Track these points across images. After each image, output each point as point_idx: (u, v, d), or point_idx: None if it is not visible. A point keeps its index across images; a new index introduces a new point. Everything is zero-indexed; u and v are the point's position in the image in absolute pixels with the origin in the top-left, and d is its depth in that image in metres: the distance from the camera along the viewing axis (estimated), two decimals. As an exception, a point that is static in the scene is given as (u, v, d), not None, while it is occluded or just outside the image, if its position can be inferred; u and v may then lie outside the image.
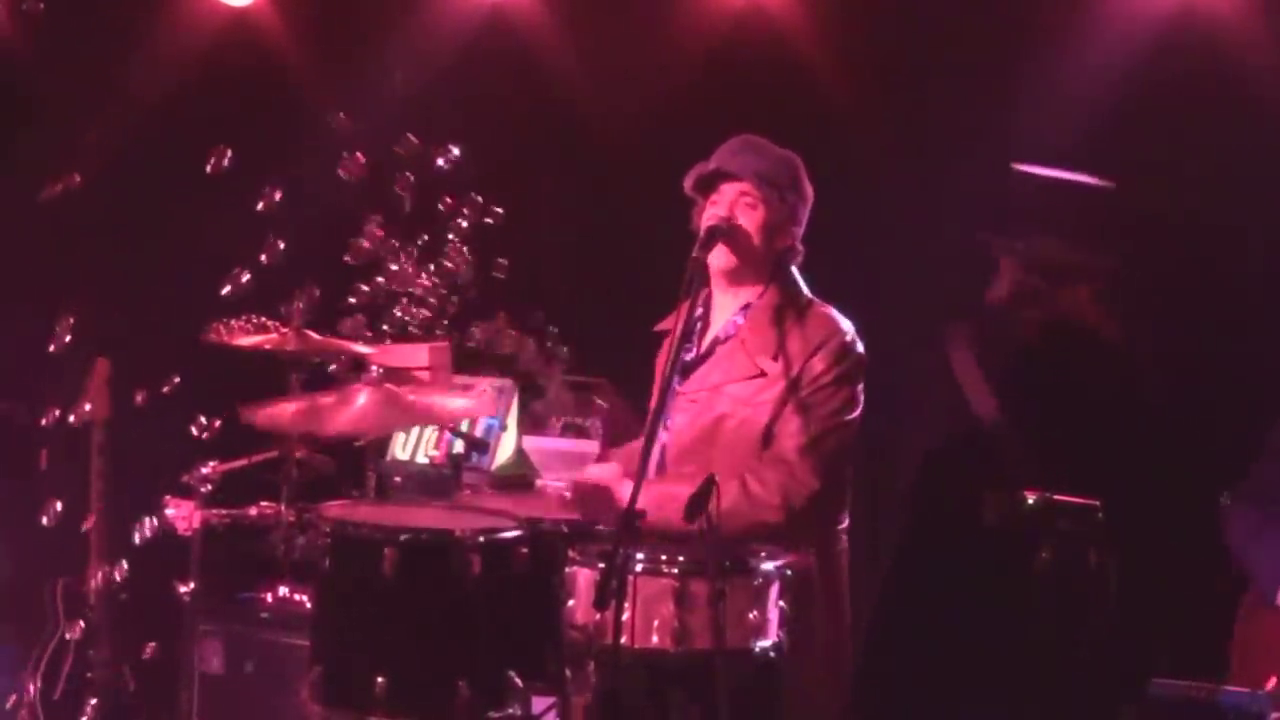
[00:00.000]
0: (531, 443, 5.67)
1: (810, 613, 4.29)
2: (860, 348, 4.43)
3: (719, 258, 4.41)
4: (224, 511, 5.10)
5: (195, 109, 6.90)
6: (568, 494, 4.59)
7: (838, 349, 4.37)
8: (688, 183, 4.49)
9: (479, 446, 5.53)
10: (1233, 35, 5.80)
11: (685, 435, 4.45)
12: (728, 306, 4.52)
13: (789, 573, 4.14)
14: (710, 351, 4.51)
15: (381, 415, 4.70)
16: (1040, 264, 5.77)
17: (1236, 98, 5.78)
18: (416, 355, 5.50)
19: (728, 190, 4.44)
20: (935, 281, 6.02)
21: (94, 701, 5.79)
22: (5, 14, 6.91)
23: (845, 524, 4.49)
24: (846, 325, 4.44)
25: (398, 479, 5.59)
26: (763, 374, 4.37)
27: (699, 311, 4.55)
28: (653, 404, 4.53)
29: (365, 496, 5.34)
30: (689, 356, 4.52)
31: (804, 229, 4.54)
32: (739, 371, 4.41)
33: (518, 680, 4.26)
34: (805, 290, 4.50)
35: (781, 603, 4.09)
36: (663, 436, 4.48)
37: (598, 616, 3.94)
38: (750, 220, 4.42)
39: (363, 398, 4.70)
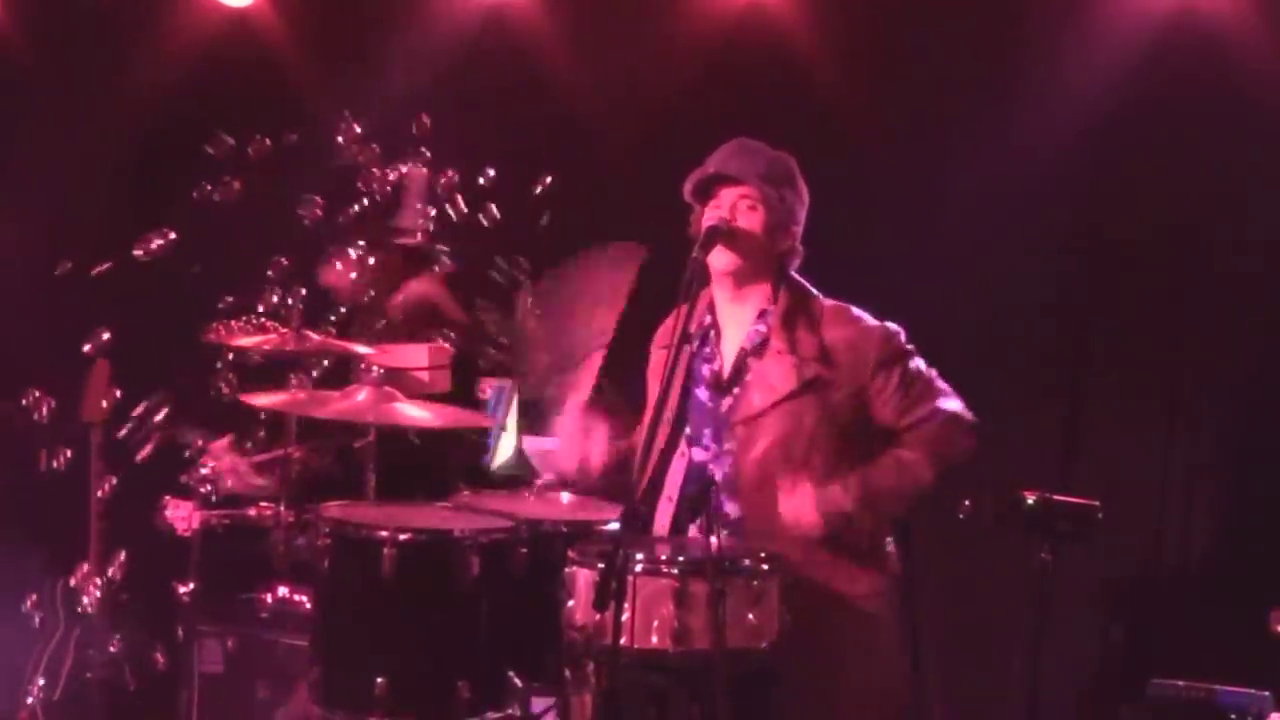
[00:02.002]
0: (531, 443, 5.67)
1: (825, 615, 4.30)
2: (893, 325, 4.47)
3: (720, 259, 4.39)
4: (223, 512, 5.10)
5: (195, 109, 6.90)
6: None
7: (880, 336, 4.40)
8: (687, 189, 4.48)
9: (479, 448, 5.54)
10: (1232, 35, 5.81)
11: (756, 460, 4.37)
12: (738, 313, 4.50)
13: (790, 574, 4.14)
14: (743, 366, 4.45)
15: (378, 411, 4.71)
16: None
17: (1236, 98, 5.78)
18: (416, 356, 5.50)
19: (727, 195, 4.42)
20: (937, 280, 6.02)
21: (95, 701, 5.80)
22: (4, 14, 6.92)
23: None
24: (861, 312, 4.46)
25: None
26: (813, 380, 4.35)
27: (707, 320, 4.55)
28: (649, 413, 4.50)
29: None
30: (713, 365, 4.51)
31: (802, 229, 4.53)
32: (788, 382, 4.36)
33: (517, 680, 4.26)
34: (813, 290, 4.50)
35: (782, 604, 4.09)
36: (697, 454, 4.46)
37: (597, 617, 3.94)
38: (751, 222, 4.40)
39: (362, 396, 4.71)
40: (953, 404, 4.42)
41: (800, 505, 4.27)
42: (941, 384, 4.45)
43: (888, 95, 6.20)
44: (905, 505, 4.43)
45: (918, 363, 4.44)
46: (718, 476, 4.43)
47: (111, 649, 5.86)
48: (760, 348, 4.44)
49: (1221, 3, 5.84)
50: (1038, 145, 5.90)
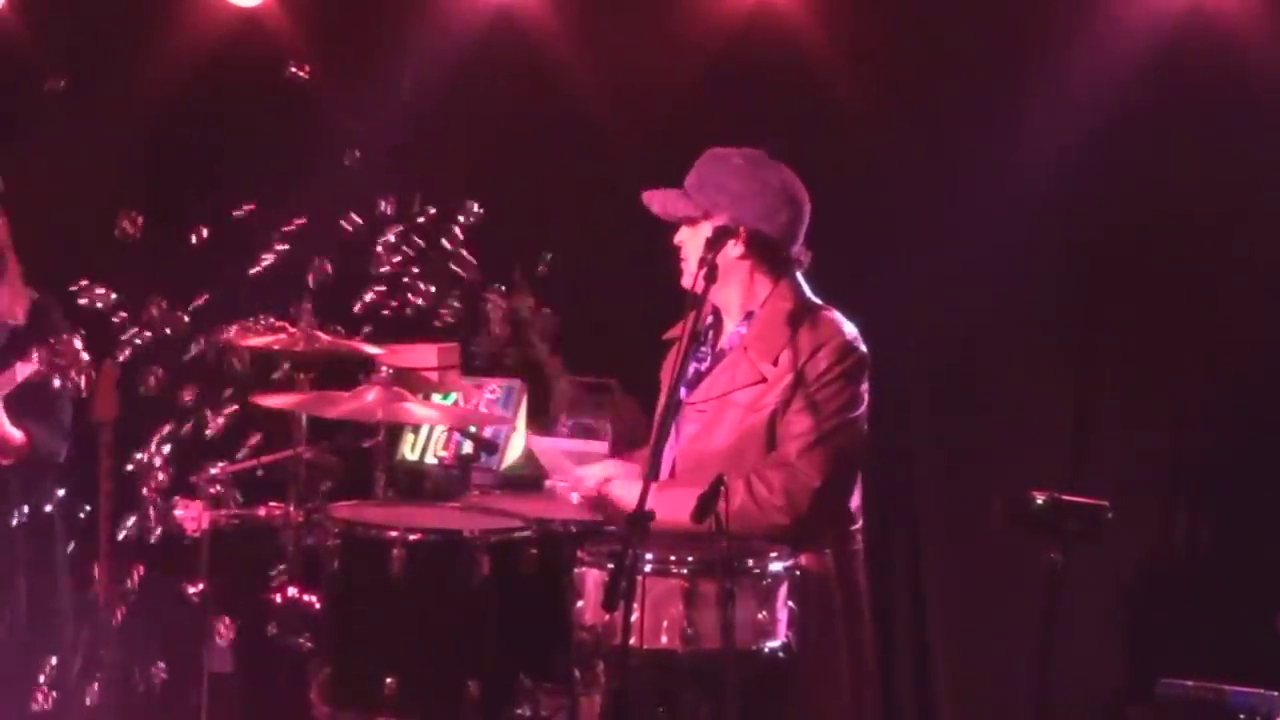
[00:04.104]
0: (540, 443, 5.66)
1: (831, 615, 4.31)
2: (862, 348, 4.42)
3: (726, 258, 4.41)
4: (233, 512, 5.10)
5: (203, 109, 6.91)
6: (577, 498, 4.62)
7: (838, 348, 4.37)
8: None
9: (488, 447, 5.53)
10: (1242, 35, 5.80)
11: (695, 445, 4.47)
12: (734, 313, 4.54)
13: (798, 573, 4.15)
14: (717, 361, 4.51)
15: (388, 408, 4.71)
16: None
17: (1245, 98, 5.78)
18: (425, 356, 5.50)
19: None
20: (945, 282, 6.02)
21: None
22: (13, 14, 6.93)
23: (859, 524, 4.48)
24: (848, 327, 4.44)
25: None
26: (764, 379, 4.38)
27: (709, 320, 4.56)
28: (659, 411, 4.53)
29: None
30: (702, 366, 4.53)
31: (793, 225, 4.49)
32: (743, 378, 4.41)
33: (527, 681, 4.26)
34: (809, 295, 4.50)
35: (790, 603, 4.10)
36: (673, 445, 4.49)
37: (607, 617, 3.95)
38: (695, 243, 4.44)
39: (371, 395, 4.71)
40: (811, 478, 4.30)
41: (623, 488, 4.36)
42: (836, 446, 4.33)
43: (896, 95, 6.19)
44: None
45: (858, 386, 4.40)
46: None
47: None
48: (735, 346, 4.48)
49: (1231, 3, 5.83)
50: (1048, 145, 5.90)
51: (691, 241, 4.47)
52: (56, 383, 5.38)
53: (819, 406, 4.33)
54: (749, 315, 4.49)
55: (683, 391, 4.46)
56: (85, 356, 5.36)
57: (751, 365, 4.41)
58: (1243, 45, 5.79)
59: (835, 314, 4.46)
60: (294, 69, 5.53)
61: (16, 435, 5.53)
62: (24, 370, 5.40)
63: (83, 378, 5.38)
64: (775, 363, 4.37)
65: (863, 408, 4.41)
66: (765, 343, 4.41)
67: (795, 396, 4.34)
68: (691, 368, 4.51)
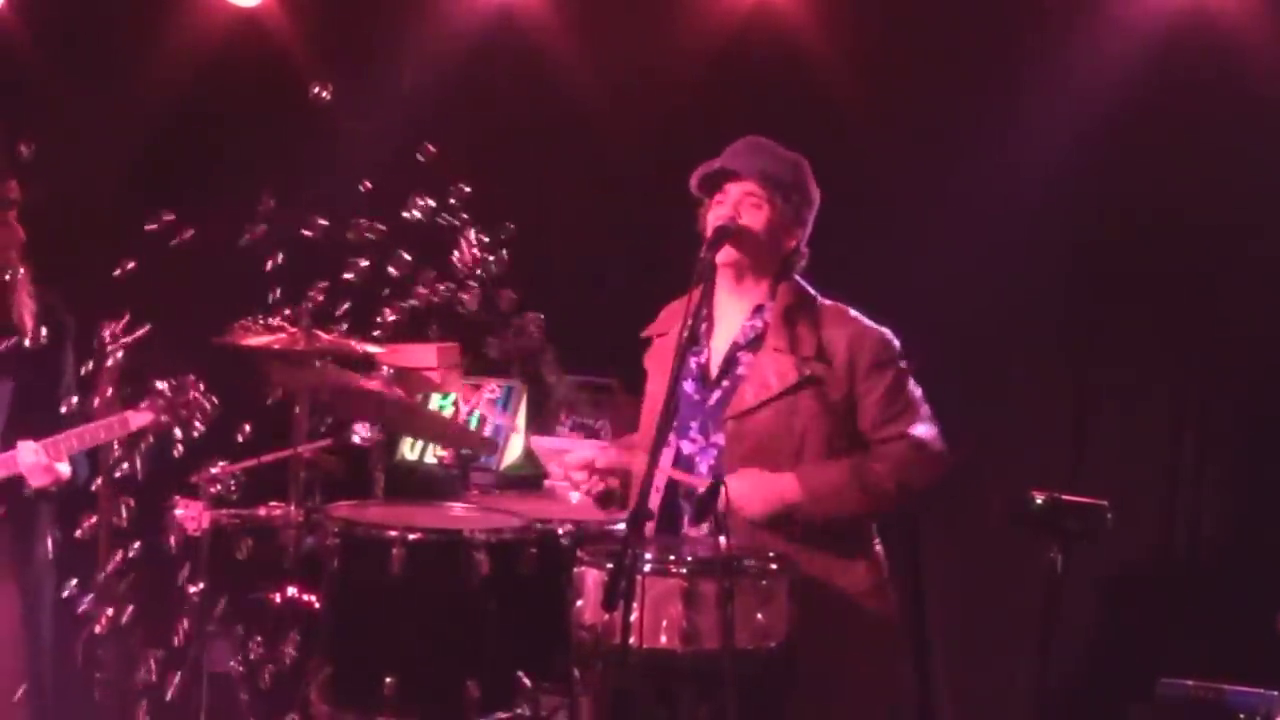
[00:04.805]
0: (540, 443, 5.67)
1: (827, 616, 4.30)
2: (885, 331, 4.47)
3: (726, 257, 4.41)
4: (233, 512, 5.11)
5: (203, 109, 6.92)
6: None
7: (875, 339, 4.41)
8: (693, 181, 4.49)
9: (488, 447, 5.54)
10: (1242, 35, 5.80)
11: (745, 454, 4.36)
12: (733, 307, 4.51)
13: (797, 574, 4.14)
14: (734, 360, 4.45)
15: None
16: None
17: (1245, 98, 5.77)
18: (425, 356, 5.51)
19: (733, 190, 4.44)
20: (945, 282, 6.02)
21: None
22: (12, 14, 6.93)
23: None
24: (858, 314, 4.47)
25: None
26: (811, 376, 4.36)
27: (702, 312, 4.55)
28: (648, 405, 4.51)
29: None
30: (700, 359, 4.51)
31: (809, 232, 4.53)
32: (782, 378, 4.36)
33: (526, 680, 4.26)
34: (811, 290, 4.51)
35: (790, 603, 4.10)
36: (685, 446, 4.46)
37: (606, 617, 3.94)
38: (755, 219, 4.41)
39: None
40: (926, 430, 4.39)
41: (747, 490, 4.26)
42: (924, 407, 4.43)
43: (895, 95, 6.19)
44: (856, 511, 4.34)
45: (906, 377, 4.44)
46: (704, 469, 4.43)
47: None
48: (755, 343, 4.44)
49: (1231, 3, 5.83)
50: (1048, 145, 5.89)
51: (734, 195, 4.44)
52: (178, 433, 5.29)
53: (898, 393, 4.39)
54: (759, 308, 4.48)
55: (690, 387, 4.45)
56: (208, 405, 5.28)
57: (791, 365, 4.36)
58: (1243, 45, 5.79)
59: (846, 307, 4.48)
60: (318, 90, 5.51)
61: (67, 472, 5.49)
62: (138, 420, 5.28)
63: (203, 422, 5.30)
64: (817, 358, 4.36)
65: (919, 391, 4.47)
66: (796, 339, 4.39)
67: (861, 390, 4.37)
68: (692, 360, 4.48)
